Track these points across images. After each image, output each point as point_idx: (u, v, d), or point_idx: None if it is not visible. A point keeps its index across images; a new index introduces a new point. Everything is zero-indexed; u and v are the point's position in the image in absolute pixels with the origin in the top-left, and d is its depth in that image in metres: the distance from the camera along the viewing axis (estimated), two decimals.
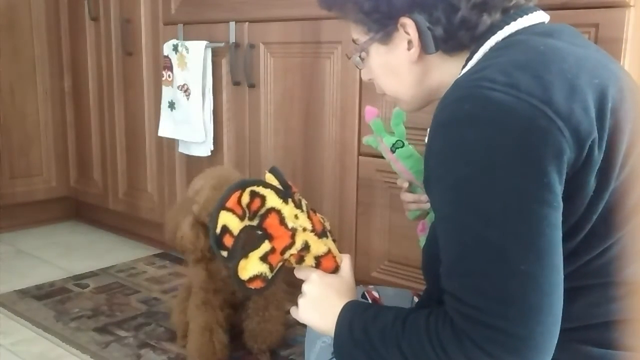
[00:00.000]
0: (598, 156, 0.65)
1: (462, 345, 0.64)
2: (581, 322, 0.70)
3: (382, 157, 1.54)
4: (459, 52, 0.77)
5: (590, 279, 0.70)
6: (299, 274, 0.84)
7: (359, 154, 1.59)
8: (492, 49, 0.73)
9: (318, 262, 0.82)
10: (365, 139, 1.12)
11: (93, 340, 1.56)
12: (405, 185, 1.08)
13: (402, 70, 0.81)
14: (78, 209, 2.67)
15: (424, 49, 0.76)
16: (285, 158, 1.77)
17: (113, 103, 2.30)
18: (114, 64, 2.26)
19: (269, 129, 1.80)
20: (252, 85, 1.81)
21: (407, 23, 0.76)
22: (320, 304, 0.81)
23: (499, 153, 0.62)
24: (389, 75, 0.83)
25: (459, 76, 0.75)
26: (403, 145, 1.04)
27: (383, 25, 0.78)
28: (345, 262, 0.85)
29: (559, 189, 0.63)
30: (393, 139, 1.05)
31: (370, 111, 1.08)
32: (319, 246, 0.82)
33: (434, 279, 0.79)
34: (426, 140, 0.73)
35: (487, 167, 0.63)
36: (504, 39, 0.73)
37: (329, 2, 0.85)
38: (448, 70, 0.78)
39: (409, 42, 0.77)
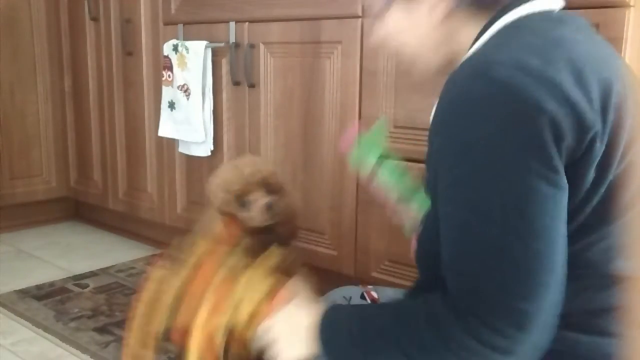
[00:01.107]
0: (599, 150, 0.65)
1: (467, 323, 0.64)
2: (569, 309, 0.71)
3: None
4: (486, 10, 0.75)
5: (579, 268, 0.70)
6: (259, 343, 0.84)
7: None
8: (503, 29, 0.73)
9: (262, 311, 0.83)
10: (353, 158, 1.03)
11: (93, 340, 1.56)
12: (395, 201, 1.03)
13: (425, 29, 0.79)
14: (78, 209, 2.67)
15: (454, 4, 0.75)
16: (285, 158, 1.78)
17: (113, 103, 2.30)
18: (114, 64, 2.26)
19: (269, 128, 1.80)
20: (252, 85, 1.81)
21: None
22: (290, 336, 0.80)
23: (504, 134, 0.63)
24: (409, 36, 0.81)
25: (470, 52, 0.74)
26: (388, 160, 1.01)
27: None
28: (290, 288, 0.85)
29: (562, 169, 0.64)
30: (378, 153, 1.01)
31: (348, 138, 1.02)
32: (247, 305, 0.82)
33: (427, 268, 0.79)
34: (431, 116, 0.73)
35: (493, 146, 0.63)
36: (517, 19, 0.73)
37: None
38: (469, 33, 0.77)
39: None
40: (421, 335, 0.67)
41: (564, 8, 0.76)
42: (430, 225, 0.76)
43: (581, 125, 0.63)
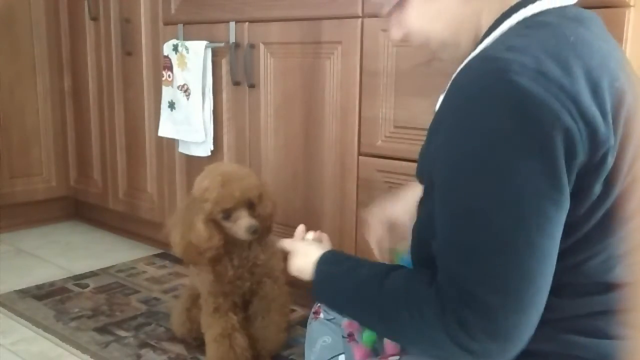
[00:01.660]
0: (610, 163, 0.64)
1: (446, 319, 0.65)
2: (568, 313, 0.71)
3: (382, 157, 1.55)
4: None
5: (579, 278, 0.70)
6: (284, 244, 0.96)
7: (359, 154, 1.59)
8: (522, 24, 0.71)
9: None
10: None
11: (93, 340, 1.56)
12: None
13: (452, 14, 0.77)
14: (78, 208, 2.67)
15: None
16: (285, 158, 1.78)
17: (113, 103, 2.30)
18: (114, 64, 2.26)
19: (269, 129, 1.80)
20: (252, 86, 1.81)
21: None
22: (301, 256, 0.91)
23: (518, 143, 0.62)
24: (436, 23, 0.78)
25: (485, 43, 0.73)
26: None
27: None
28: None
29: (568, 189, 0.63)
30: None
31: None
32: None
33: (422, 260, 0.79)
34: (437, 106, 0.72)
35: (503, 153, 0.62)
36: (534, 15, 0.71)
37: None
38: (493, 8, 0.74)
39: None
40: (401, 312, 0.69)
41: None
42: (425, 218, 0.75)
43: (595, 141, 0.63)
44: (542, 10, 0.71)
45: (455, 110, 0.67)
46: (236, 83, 1.85)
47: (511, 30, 0.71)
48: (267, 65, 1.77)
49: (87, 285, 1.93)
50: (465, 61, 0.73)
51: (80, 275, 2.02)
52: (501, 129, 0.62)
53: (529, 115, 0.61)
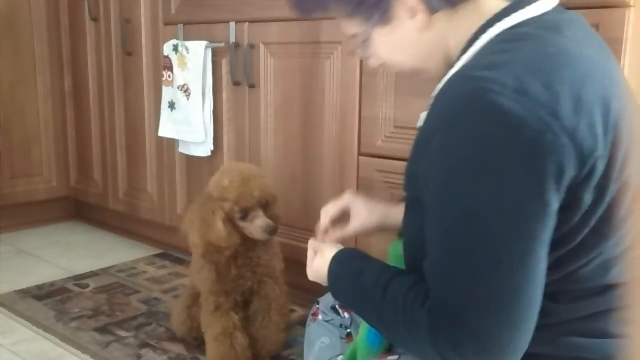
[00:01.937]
0: (598, 172, 0.64)
1: (436, 339, 0.66)
2: (566, 317, 0.71)
3: (381, 157, 1.55)
4: (463, 6, 0.73)
5: (576, 283, 0.70)
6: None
7: (359, 153, 1.59)
8: (499, 39, 0.70)
9: None
10: None
11: (93, 340, 1.56)
12: None
13: (414, 42, 0.77)
14: (78, 208, 2.67)
15: (429, 8, 0.73)
16: (285, 158, 1.78)
17: (113, 103, 2.30)
18: (114, 64, 2.26)
19: (269, 129, 1.80)
20: (252, 85, 1.81)
21: None
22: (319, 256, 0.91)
23: (501, 165, 0.61)
24: (402, 53, 0.80)
25: (463, 60, 0.72)
26: None
27: (378, 7, 0.74)
28: None
29: (555, 206, 0.63)
30: None
31: None
32: None
33: (417, 272, 0.79)
34: (419, 123, 0.72)
35: (487, 176, 0.62)
36: (510, 28, 0.70)
37: (308, 7, 0.81)
38: (458, 29, 0.74)
39: (410, 9, 0.74)
40: (399, 324, 0.71)
41: (561, 6, 0.74)
42: (414, 234, 0.76)
43: (582, 153, 0.61)
44: (519, 21, 0.70)
45: (437, 133, 0.66)
46: (236, 83, 1.85)
47: (489, 44, 0.70)
48: (267, 65, 1.77)
49: (87, 285, 1.93)
50: (445, 78, 0.72)
51: (81, 275, 2.03)
52: (482, 153, 0.61)
53: (510, 137, 0.60)
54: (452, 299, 0.65)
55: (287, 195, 1.75)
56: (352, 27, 0.80)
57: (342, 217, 1.07)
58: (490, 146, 0.61)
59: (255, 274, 1.42)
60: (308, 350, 1.03)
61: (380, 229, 1.04)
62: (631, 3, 1.13)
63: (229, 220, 1.32)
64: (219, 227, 1.30)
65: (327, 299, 1.09)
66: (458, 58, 0.73)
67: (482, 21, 0.72)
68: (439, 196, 0.66)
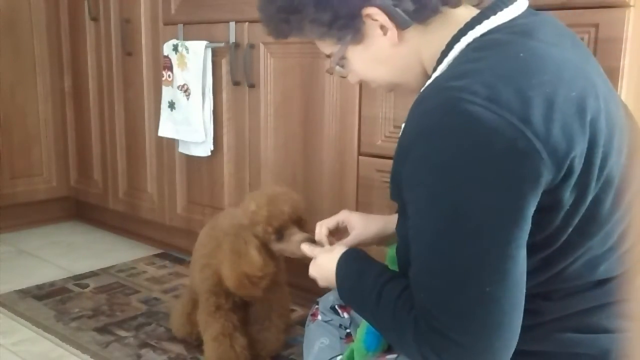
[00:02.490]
0: (576, 172, 0.64)
1: (421, 345, 0.67)
2: (559, 313, 0.72)
3: (381, 157, 1.55)
4: (434, 19, 0.74)
5: (565, 282, 0.71)
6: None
7: (359, 153, 1.59)
8: (471, 47, 0.71)
9: None
10: None
11: (93, 340, 1.57)
12: None
13: (389, 57, 0.79)
14: (78, 209, 2.67)
15: (400, 26, 0.74)
16: (285, 158, 1.78)
17: (113, 103, 2.30)
18: (114, 64, 2.26)
19: (269, 129, 1.80)
20: (252, 85, 1.81)
21: (372, 12, 0.74)
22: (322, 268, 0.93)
23: (476, 174, 0.62)
24: (378, 69, 0.81)
25: (437, 72, 0.73)
26: None
27: (349, 27, 0.76)
28: None
29: (531, 211, 0.63)
30: None
31: None
32: None
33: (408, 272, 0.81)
34: (400, 134, 0.73)
35: (463, 186, 0.62)
36: (482, 36, 0.71)
37: (284, 31, 0.81)
38: (432, 41, 0.76)
39: (382, 27, 0.75)
40: (391, 328, 0.73)
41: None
42: (402, 241, 0.77)
43: (556, 156, 0.62)
44: (491, 28, 0.71)
45: (414, 144, 0.67)
46: (236, 83, 1.85)
47: (462, 53, 0.71)
48: (266, 65, 1.77)
49: (87, 285, 1.93)
50: (421, 90, 0.73)
51: (81, 275, 2.03)
52: (458, 163, 0.62)
53: (484, 146, 0.61)
54: (435, 308, 0.66)
55: None
56: (327, 47, 0.82)
57: (340, 231, 1.08)
58: (465, 156, 0.62)
59: None
60: (308, 350, 1.03)
61: (380, 240, 1.06)
62: (631, 3, 1.13)
63: (264, 247, 1.24)
64: (254, 256, 1.22)
65: (327, 300, 1.10)
66: (434, 69, 0.75)
67: (454, 31, 0.73)
68: (417, 208, 0.67)
